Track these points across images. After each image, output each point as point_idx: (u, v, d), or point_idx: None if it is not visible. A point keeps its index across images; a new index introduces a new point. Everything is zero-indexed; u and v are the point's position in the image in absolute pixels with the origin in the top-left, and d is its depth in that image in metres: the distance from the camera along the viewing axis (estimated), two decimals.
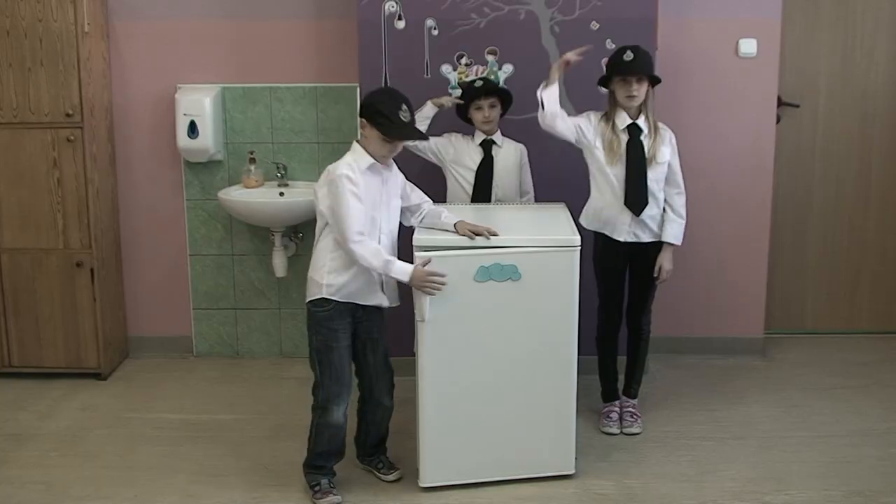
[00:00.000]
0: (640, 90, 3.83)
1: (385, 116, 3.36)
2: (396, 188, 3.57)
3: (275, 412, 4.32)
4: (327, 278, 3.41)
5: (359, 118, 3.46)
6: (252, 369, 4.87)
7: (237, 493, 3.61)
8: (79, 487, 3.65)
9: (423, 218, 3.66)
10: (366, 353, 3.58)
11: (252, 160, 4.75)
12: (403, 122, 3.39)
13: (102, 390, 4.60)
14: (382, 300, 3.52)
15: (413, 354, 3.61)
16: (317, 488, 3.54)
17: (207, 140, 4.66)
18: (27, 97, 4.43)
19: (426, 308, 3.41)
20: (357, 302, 3.46)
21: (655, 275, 4.00)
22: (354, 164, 3.38)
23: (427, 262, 3.38)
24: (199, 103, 4.63)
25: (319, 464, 3.57)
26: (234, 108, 4.78)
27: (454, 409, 3.53)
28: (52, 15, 4.34)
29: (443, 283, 3.37)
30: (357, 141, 3.48)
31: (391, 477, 3.70)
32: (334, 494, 3.52)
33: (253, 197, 4.67)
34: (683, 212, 3.99)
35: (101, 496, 3.59)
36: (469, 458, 3.59)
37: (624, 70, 3.82)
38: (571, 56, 3.90)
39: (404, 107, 3.39)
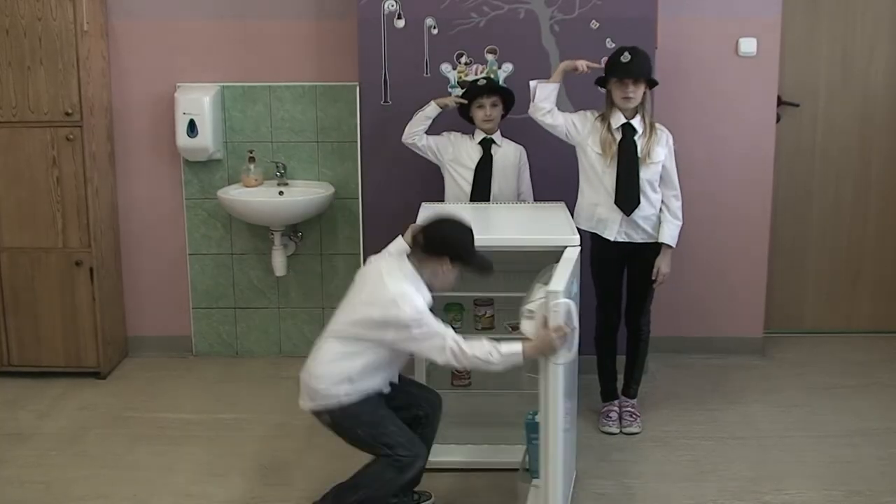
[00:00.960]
0: (637, 92, 3.84)
1: (476, 263, 3.16)
2: None
3: (274, 411, 4.32)
4: (359, 384, 3.12)
5: (440, 256, 3.11)
6: (251, 369, 4.87)
7: (236, 492, 3.61)
8: (78, 487, 3.65)
9: None
10: (406, 386, 3.36)
11: (251, 159, 4.74)
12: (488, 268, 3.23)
13: (101, 389, 4.60)
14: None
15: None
16: None
17: (207, 139, 4.65)
18: (26, 96, 4.42)
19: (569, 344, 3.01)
20: (384, 391, 3.23)
21: (653, 277, 4.00)
22: (421, 293, 3.09)
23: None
24: (198, 102, 4.63)
25: None
26: (234, 106, 4.77)
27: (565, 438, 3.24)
28: (52, 14, 4.34)
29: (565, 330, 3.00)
30: (414, 266, 3.13)
31: (432, 501, 3.55)
32: None
33: (252, 196, 4.67)
34: (680, 213, 3.99)
35: (100, 495, 3.59)
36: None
37: (621, 72, 3.82)
38: (583, 65, 3.94)
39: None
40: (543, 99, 3.95)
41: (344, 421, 3.15)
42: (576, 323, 2.98)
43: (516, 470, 3.53)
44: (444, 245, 3.13)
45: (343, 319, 3.15)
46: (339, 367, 3.10)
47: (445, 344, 3.02)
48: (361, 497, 3.15)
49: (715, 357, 4.92)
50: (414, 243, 3.19)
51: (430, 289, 3.15)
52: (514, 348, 3.02)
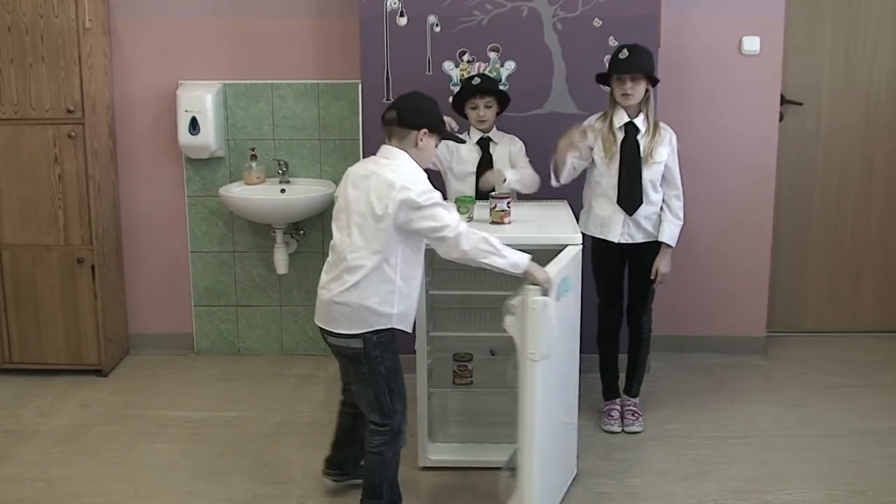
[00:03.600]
0: (635, 89, 3.82)
1: (444, 122, 3.32)
2: None
3: (276, 410, 4.31)
4: (398, 306, 3.15)
5: (416, 130, 3.17)
6: (253, 366, 4.86)
7: (238, 490, 3.60)
8: (79, 485, 3.64)
9: None
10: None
11: (253, 157, 4.74)
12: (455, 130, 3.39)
13: (103, 387, 4.60)
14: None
15: (413, 353, 3.60)
16: None
17: (209, 136, 4.65)
18: (28, 93, 4.42)
19: (545, 341, 3.05)
20: (406, 329, 3.24)
21: (652, 277, 3.99)
22: (426, 182, 3.17)
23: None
24: (200, 100, 4.62)
25: (397, 497, 3.30)
26: (236, 104, 4.77)
27: (547, 436, 3.27)
28: (54, 11, 4.33)
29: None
30: (404, 151, 3.19)
31: None
32: None
33: (254, 194, 4.66)
34: (681, 213, 3.97)
35: (101, 493, 3.58)
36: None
37: (619, 68, 3.81)
38: (577, 136, 3.83)
39: None
40: (564, 180, 3.93)
41: (377, 349, 3.15)
42: (575, 320, 3.00)
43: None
44: (420, 114, 3.21)
45: (359, 233, 3.12)
46: (385, 284, 3.11)
47: (453, 223, 3.08)
48: (388, 492, 3.25)
49: (717, 356, 4.91)
50: (388, 127, 3.22)
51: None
52: (522, 255, 3.11)
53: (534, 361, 3.01)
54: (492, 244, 3.12)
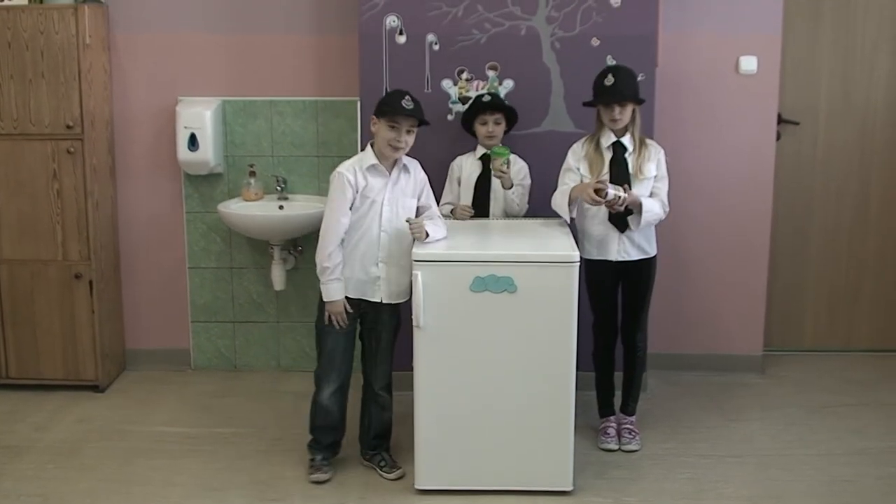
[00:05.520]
0: (623, 114, 3.84)
1: (388, 104, 3.61)
2: (413, 189, 3.76)
3: (273, 426, 4.31)
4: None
5: (374, 115, 3.68)
6: (250, 383, 4.86)
7: None
8: (75, 500, 3.63)
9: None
10: (370, 341, 3.82)
11: (252, 173, 4.75)
12: (405, 107, 3.58)
13: (100, 403, 4.59)
14: (380, 296, 3.74)
15: (412, 369, 3.61)
16: (311, 462, 3.82)
17: (208, 153, 4.66)
18: (28, 109, 4.43)
19: (421, 314, 3.48)
20: (350, 296, 3.70)
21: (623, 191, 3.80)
22: (357, 164, 3.66)
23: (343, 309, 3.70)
24: (199, 116, 4.64)
25: (316, 436, 3.83)
26: (235, 121, 4.78)
27: (449, 414, 3.61)
28: (54, 27, 4.35)
29: (343, 323, 3.69)
30: (371, 143, 3.71)
31: (393, 475, 3.80)
32: (323, 472, 3.77)
33: (252, 210, 4.67)
34: (654, 217, 3.88)
35: None
36: (465, 464, 3.64)
37: (605, 97, 3.82)
38: (589, 197, 3.75)
39: (407, 97, 3.61)
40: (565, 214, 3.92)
41: (319, 303, 3.74)
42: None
43: None
44: (378, 104, 3.68)
45: None
46: None
47: (330, 227, 3.63)
48: (311, 424, 3.84)
49: (714, 374, 4.91)
50: None
51: (381, 157, 3.66)
52: (329, 293, 3.65)
53: (416, 328, 3.54)
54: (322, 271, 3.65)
